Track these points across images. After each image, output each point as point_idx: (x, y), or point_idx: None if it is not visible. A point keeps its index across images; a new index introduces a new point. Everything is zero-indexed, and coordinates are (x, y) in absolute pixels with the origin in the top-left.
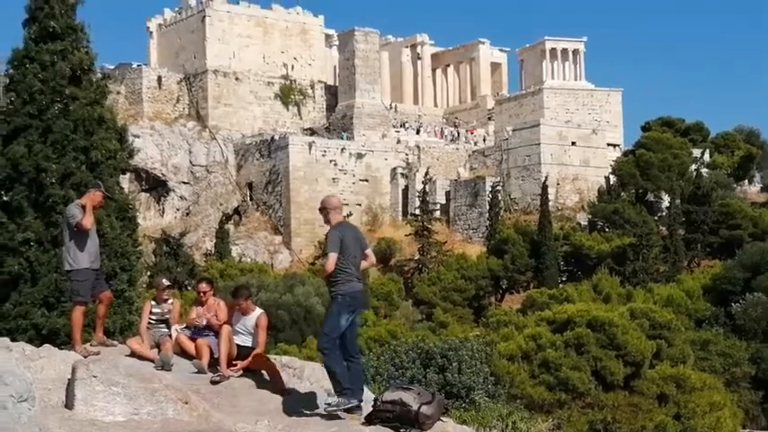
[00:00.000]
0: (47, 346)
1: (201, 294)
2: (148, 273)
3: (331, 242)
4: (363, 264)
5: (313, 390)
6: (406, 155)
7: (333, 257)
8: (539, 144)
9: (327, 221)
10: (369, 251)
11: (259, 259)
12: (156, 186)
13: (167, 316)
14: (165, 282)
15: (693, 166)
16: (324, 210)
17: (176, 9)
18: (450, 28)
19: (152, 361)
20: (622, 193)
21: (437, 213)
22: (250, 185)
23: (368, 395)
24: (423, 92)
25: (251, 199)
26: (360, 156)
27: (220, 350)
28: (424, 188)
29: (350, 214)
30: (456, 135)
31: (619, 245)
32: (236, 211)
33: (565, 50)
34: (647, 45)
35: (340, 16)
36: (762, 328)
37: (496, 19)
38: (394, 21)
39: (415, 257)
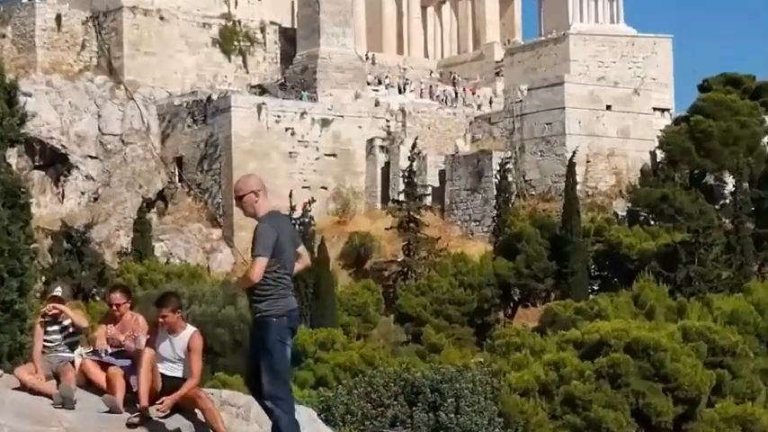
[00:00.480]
0: None
1: (115, 308)
2: (44, 278)
3: (262, 241)
4: (296, 267)
5: None
6: (387, 122)
7: (262, 263)
8: (563, 108)
9: (252, 212)
10: (302, 249)
11: (191, 260)
12: (54, 162)
13: (73, 337)
14: (58, 291)
15: (766, 139)
16: (245, 196)
17: None
18: None
19: (49, 396)
20: (673, 174)
21: (428, 200)
22: (179, 161)
23: None
24: (409, 38)
25: (180, 180)
26: (325, 122)
27: (140, 382)
28: (411, 166)
29: (312, 200)
30: (453, 95)
31: (667, 242)
32: (161, 195)
33: None
34: None
35: None
36: None
37: None
38: None
39: (399, 258)
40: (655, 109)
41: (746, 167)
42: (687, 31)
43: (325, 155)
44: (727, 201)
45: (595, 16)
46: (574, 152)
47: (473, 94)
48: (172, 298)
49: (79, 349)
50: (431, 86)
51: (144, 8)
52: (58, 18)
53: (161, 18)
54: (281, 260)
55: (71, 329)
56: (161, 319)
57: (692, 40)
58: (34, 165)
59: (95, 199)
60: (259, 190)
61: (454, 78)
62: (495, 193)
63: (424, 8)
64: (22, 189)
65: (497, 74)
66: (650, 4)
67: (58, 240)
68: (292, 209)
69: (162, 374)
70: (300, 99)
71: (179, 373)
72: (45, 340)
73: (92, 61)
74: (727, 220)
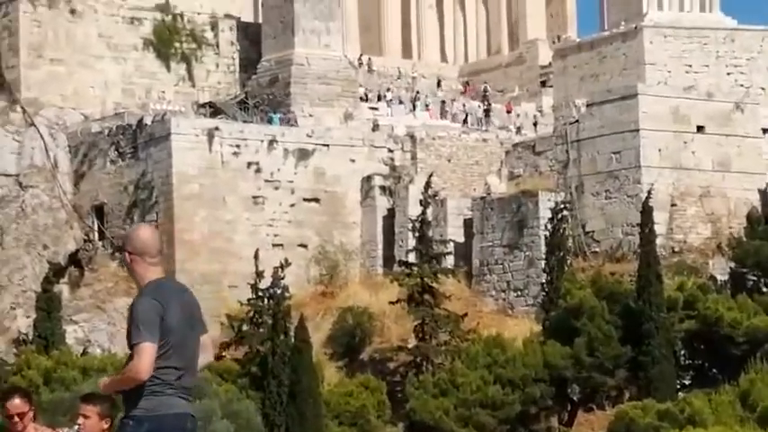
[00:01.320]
0: None
1: (13, 420)
2: None
3: (143, 321)
4: (199, 361)
5: None
6: (391, 152)
7: (150, 351)
8: (636, 131)
9: (138, 280)
10: (206, 338)
11: (118, 349)
12: None
13: None
14: None
15: None
16: (126, 253)
17: None
18: None
19: None
20: None
21: (449, 261)
22: (99, 211)
23: None
24: (420, 36)
25: (101, 237)
26: (304, 154)
27: None
28: (425, 214)
29: (286, 264)
30: (483, 114)
31: None
32: (75, 259)
33: None
34: None
35: None
36: None
37: None
38: None
39: (410, 345)
40: (765, 131)
41: None
42: None
43: (305, 200)
44: None
45: (680, 3)
46: (650, 192)
47: (509, 112)
48: (98, 400)
49: None
50: (451, 102)
51: None
52: None
53: (72, 12)
54: (166, 348)
55: None
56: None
57: None
58: None
59: None
60: (133, 253)
61: (485, 90)
62: (543, 250)
63: None
64: None
65: (544, 84)
66: None
67: None
68: (258, 276)
69: None
70: (269, 122)
71: None
72: None
73: None
74: None
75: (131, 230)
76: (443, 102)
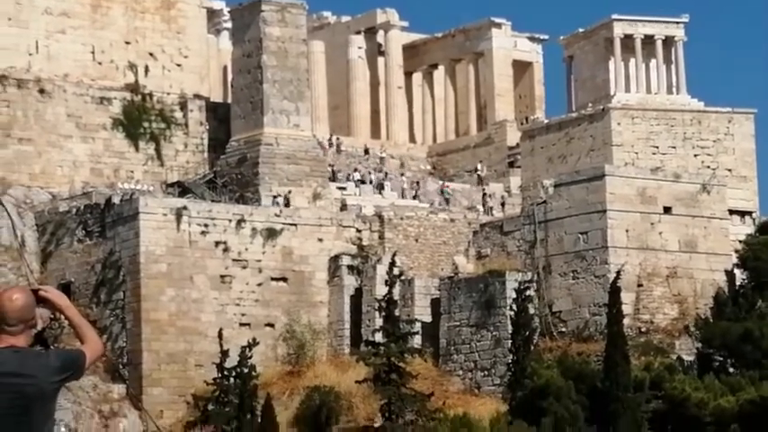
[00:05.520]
0: None
1: None
2: None
3: None
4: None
5: None
6: (359, 232)
7: None
8: (603, 212)
9: None
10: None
11: (83, 429)
12: None
13: None
14: None
15: None
16: None
17: None
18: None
19: None
20: (759, 303)
21: (416, 341)
22: (66, 289)
23: None
24: (389, 116)
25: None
26: (272, 234)
27: None
28: (391, 294)
29: (253, 343)
30: (450, 194)
31: (753, 398)
32: (40, 338)
33: (649, 39)
34: None
35: None
36: None
37: None
38: None
39: (377, 424)
40: (732, 212)
41: None
42: None
43: (272, 279)
44: None
45: (647, 85)
46: (618, 273)
47: (480, 190)
48: None
49: None
50: (419, 182)
51: (17, 77)
52: None
53: (41, 91)
54: None
55: None
56: None
57: None
58: None
59: None
60: None
61: (451, 171)
62: (510, 330)
63: (408, 75)
64: None
65: (512, 164)
66: (723, 67)
67: None
68: (224, 354)
69: None
70: (237, 201)
71: None
72: None
73: None
74: None
75: None
76: (419, 182)
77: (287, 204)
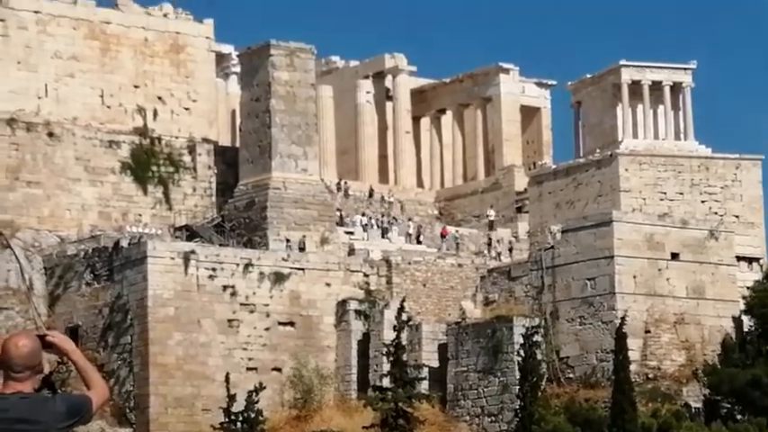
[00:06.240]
0: None
1: None
2: None
3: None
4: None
5: None
6: (366, 276)
7: None
8: (611, 257)
9: None
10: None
11: None
12: None
13: None
14: None
15: None
16: None
17: None
18: (443, 45)
19: None
20: (766, 349)
21: (423, 386)
22: (74, 333)
23: None
24: (397, 159)
25: None
26: (279, 278)
27: None
28: (399, 339)
29: (260, 387)
30: (457, 239)
31: None
32: (48, 382)
33: (657, 85)
34: None
35: (244, 23)
36: None
37: (528, 32)
38: (342, 32)
39: None
40: (740, 258)
41: None
42: None
43: (280, 323)
44: None
45: (654, 131)
46: (623, 318)
47: (444, 236)
48: None
49: None
50: (426, 227)
51: (26, 121)
52: None
53: (50, 134)
54: None
55: None
56: None
57: None
58: None
59: None
60: None
61: (460, 216)
62: (517, 376)
63: (416, 120)
64: None
65: (519, 209)
66: (730, 113)
67: None
68: (231, 399)
69: None
70: (245, 246)
71: None
72: None
73: None
74: None
75: (5, 338)
76: (426, 227)
77: (302, 249)
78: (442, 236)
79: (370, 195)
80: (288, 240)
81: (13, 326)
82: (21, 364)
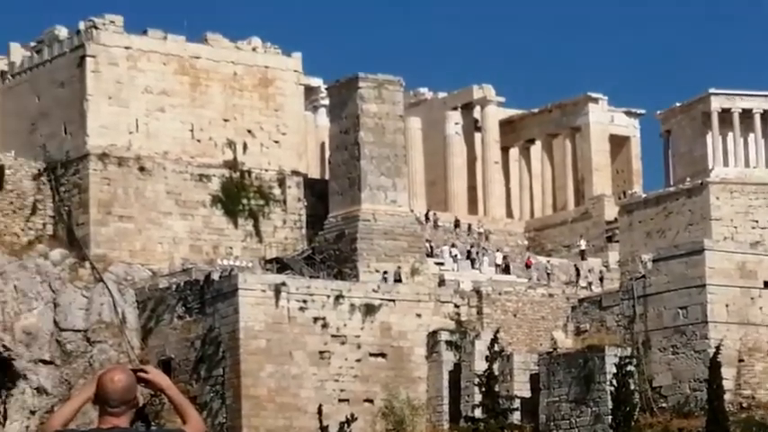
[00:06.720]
0: None
1: None
2: None
3: None
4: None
5: None
6: (457, 307)
7: None
8: (703, 286)
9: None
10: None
11: None
12: None
13: None
14: None
15: None
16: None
17: (33, 44)
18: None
19: None
20: None
21: (515, 417)
22: (166, 366)
23: None
24: (486, 190)
25: None
26: (370, 309)
27: None
28: (491, 369)
29: (352, 418)
30: (548, 269)
31: None
32: (141, 415)
33: (747, 113)
34: None
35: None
36: None
37: (617, 61)
38: (430, 64)
39: None
40: None
41: None
42: None
43: (371, 355)
44: None
45: (745, 159)
46: (718, 347)
47: (528, 266)
48: None
49: None
50: (516, 257)
51: (117, 155)
52: (0, 170)
53: (141, 169)
54: None
55: None
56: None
57: None
58: None
59: None
60: (109, 398)
61: (549, 246)
62: (610, 405)
63: (504, 150)
64: None
65: (610, 239)
66: None
67: None
68: (323, 430)
69: None
70: (334, 278)
71: None
72: None
73: (45, 229)
74: None
75: (104, 377)
76: (514, 257)
77: (398, 279)
78: (527, 266)
79: (456, 226)
80: (385, 272)
81: (107, 359)
82: (117, 399)
